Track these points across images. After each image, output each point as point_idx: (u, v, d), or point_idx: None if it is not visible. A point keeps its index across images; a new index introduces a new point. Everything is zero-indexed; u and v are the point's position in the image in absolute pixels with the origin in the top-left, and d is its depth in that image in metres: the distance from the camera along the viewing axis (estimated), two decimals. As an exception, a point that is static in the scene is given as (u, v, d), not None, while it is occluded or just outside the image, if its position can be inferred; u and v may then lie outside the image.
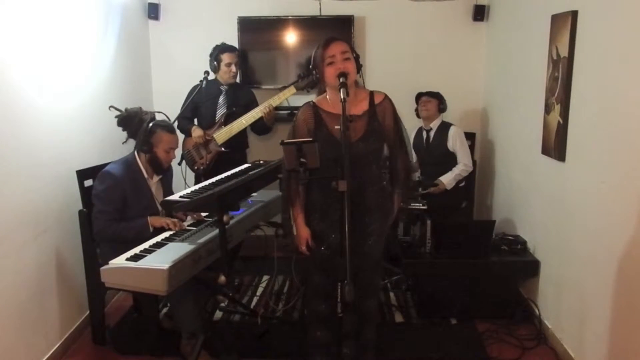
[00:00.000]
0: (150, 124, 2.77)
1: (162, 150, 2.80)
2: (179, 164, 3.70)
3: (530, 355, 2.85)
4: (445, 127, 3.85)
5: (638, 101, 2.12)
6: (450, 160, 3.82)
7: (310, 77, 3.62)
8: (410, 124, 3.98)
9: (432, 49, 4.34)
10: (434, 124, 3.86)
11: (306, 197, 2.31)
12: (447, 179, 3.75)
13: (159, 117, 2.93)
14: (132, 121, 2.81)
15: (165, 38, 4.36)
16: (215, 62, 3.75)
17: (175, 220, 2.74)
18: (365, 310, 2.35)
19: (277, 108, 4.18)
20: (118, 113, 2.85)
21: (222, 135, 3.70)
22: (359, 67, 2.22)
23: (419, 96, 3.91)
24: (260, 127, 3.84)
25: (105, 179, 2.72)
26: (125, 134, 2.86)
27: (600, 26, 2.44)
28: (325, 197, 2.23)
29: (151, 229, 2.71)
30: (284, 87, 3.77)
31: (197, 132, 3.69)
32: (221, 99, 3.79)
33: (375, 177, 2.25)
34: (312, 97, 2.38)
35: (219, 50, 3.75)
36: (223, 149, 3.70)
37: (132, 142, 2.89)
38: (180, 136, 3.52)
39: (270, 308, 3.41)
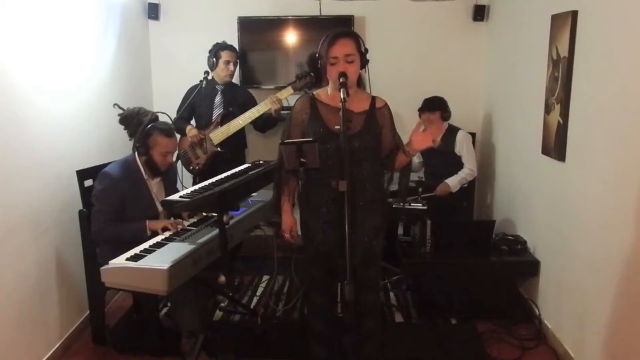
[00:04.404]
0: (148, 126, 2.75)
1: (157, 154, 2.77)
2: (174, 163, 3.69)
3: (530, 355, 2.85)
4: (452, 131, 3.83)
5: (638, 101, 2.12)
6: (455, 164, 3.81)
7: (307, 77, 3.63)
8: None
9: (432, 49, 4.34)
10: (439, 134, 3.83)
11: (299, 191, 2.33)
12: (453, 182, 3.74)
13: (161, 117, 2.91)
14: (131, 121, 2.81)
15: (165, 38, 4.36)
16: (214, 59, 3.72)
17: (174, 221, 2.74)
18: (365, 304, 2.34)
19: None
20: (121, 111, 2.85)
21: (218, 135, 3.68)
22: (364, 63, 2.20)
23: (421, 110, 3.80)
24: (265, 121, 3.78)
25: (103, 179, 2.72)
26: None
27: (600, 26, 2.44)
28: (316, 194, 2.24)
29: (149, 233, 2.69)
30: (283, 88, 3.75)
31: (192, 131, 3.68)
32: (217, 99, 3.77)
33: (368, 174, 2.24)
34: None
35: (219, 47, 3.73)
36: (219, 149, 3.68)
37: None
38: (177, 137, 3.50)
39: (270, 308, 3.41)
